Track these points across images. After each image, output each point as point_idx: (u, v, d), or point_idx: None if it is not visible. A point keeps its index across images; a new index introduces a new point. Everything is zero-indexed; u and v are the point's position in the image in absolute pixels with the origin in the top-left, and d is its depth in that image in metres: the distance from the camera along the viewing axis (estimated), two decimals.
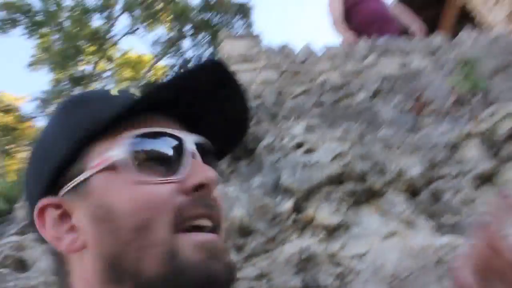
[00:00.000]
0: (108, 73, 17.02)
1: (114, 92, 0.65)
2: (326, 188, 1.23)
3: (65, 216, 0.56)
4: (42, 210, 0.56)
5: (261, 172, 1.37)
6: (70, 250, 0.55)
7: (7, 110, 15.19)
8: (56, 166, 0.56)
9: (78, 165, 0.56)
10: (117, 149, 0.54)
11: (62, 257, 0.57)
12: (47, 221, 0.56)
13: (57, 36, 15.19)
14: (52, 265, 0.59)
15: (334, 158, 1.26)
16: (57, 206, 0.56)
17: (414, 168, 1.38)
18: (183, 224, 0.53)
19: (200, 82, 0.59)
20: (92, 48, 15.44)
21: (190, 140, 0.58)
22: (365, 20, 4.20)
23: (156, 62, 16.64)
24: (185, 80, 0.59)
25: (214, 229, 0.54)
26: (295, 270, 1.13)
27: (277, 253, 1.13)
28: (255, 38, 3.64)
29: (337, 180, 1.25)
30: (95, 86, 16.58)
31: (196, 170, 0.56)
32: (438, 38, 3.36)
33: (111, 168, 0.54)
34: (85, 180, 0.54)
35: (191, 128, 0.62)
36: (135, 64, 16.88)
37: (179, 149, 0.57)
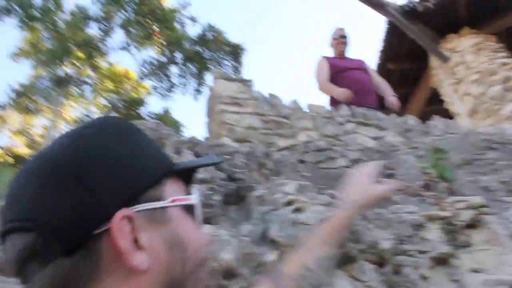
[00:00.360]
0: (90, 81, 16.92)
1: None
2: None
3: (132, 232, 0.59)
4: (122, 219, 0.58)
5: (250, 220, 1.49)
6: (140, 267, 0.58)
7: None
8: (145, 184, 0.62)
9: (157, 190, 0.64)
10: (194, 195, 0.69)
11: (93, 274, 0.57)
12: (125, 232, 0.58)
13: (48, 34, 15.07)
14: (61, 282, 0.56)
15: (320, 221, 1.41)
16: (130, 220, 0.59)
17: (385, 242, 1.53)
18: None
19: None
20: (80, 54, 15.36)
21: None
22: (348, 88, 4.43)
23: (141, 81, 16.70)
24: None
25: None
26: None
27: None
28: (247, 83, 3.80)
29: None
30: (75, 90, 16.44)
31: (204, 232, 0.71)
32: (411, 120, 3.63)
33: (187, 207, 0.67)
34: (164, 207, 0.63)
35: None
36: (119, 79, 16.88)
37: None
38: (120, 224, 0.58)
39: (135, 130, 0.69)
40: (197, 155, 1.74)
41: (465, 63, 6.52)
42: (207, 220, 1.45)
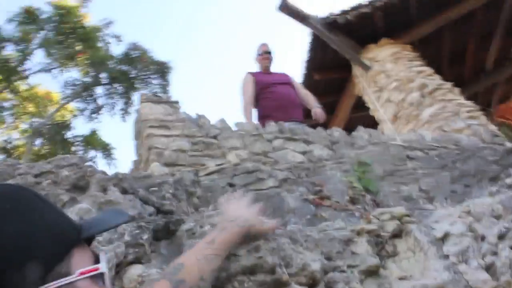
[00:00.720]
0: (10, 103, 15.99)
1: None
2: (239, 277, 1.37)
3: None
4: None
5: (181, 255, 1.48)
6: None
7: None
8: (50, 264, 0.61)
9: (64, 265, 0.63)
10: (102, 263, 0.67)
11: None
12: None
13: None
14: None
15: (249, 251, 1.42)
16: None
17: (315, 263, 1.57)
18: None
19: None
20: None
21: None
22: (273, 104, 4.53)
23: (66, 103, 16.04)
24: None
25: None
26: None
27: None
28: (173, 105, 3.77)
29: (250, 271, 1.39)
30: None
31: None
32: (337, 132, 3.75)
33: (96, 276, 0.65)
34: (72, 282, 0.62)
35: None
36: (41, 101, 16.09)
37: None
38: None
39: (35, 201, 0.67)
40: (124, 190, 1.70)
41: (385, 72, 6.86)
42: (137, 260, 1.42)
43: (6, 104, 16.05)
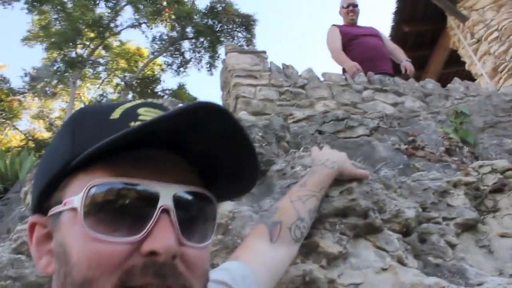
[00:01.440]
0: (103, 60, 16.91)
1: (115, 114, 0.60)
2: (331, 219, 1.35)
3: (48, 237, 0.59)
4: (33, 226, 0.62)
5: (271, 195, 1.48)
6: (45, 271, 0.59)
7: None
8: (40, 190, 0.61)
9: (58, 192, 0.59)
10: (78, 196, 0.54)
11: None
12: (34, 238, 0.61)
13: (57, 15, 15.04)
14: None
15: (342, 192, 1.39)
16: (44, 226, 0.60)
17: (409, 211, 1.51)
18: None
19: (201, 123, 0.55)
20: (91, 34, 15.33)
21: (166, 194, 0.54)
22: (361, 55, 4.34)
23: (154, 58, 16.64)
24: (184, 119, 0.54)
25: None
26: None
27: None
28: (260, 55, 3.74)
29: (342, 213, 1.36)
30: (88, 71, 16.48)
31: (157, 233, 0.52)
32: (430, 84, 3.53)
33: (74, 211, 0.55)
34: (59, 212, 0.57)
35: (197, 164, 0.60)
36: (131, 56, 16.83)
37: (148, 205, 0.53)
38: (30, 231, 0.62)
39: (67, 124, 0.63)
40: None
41: (484, 21, 6.31)
42: None
43: (101, 61, 16.97)
